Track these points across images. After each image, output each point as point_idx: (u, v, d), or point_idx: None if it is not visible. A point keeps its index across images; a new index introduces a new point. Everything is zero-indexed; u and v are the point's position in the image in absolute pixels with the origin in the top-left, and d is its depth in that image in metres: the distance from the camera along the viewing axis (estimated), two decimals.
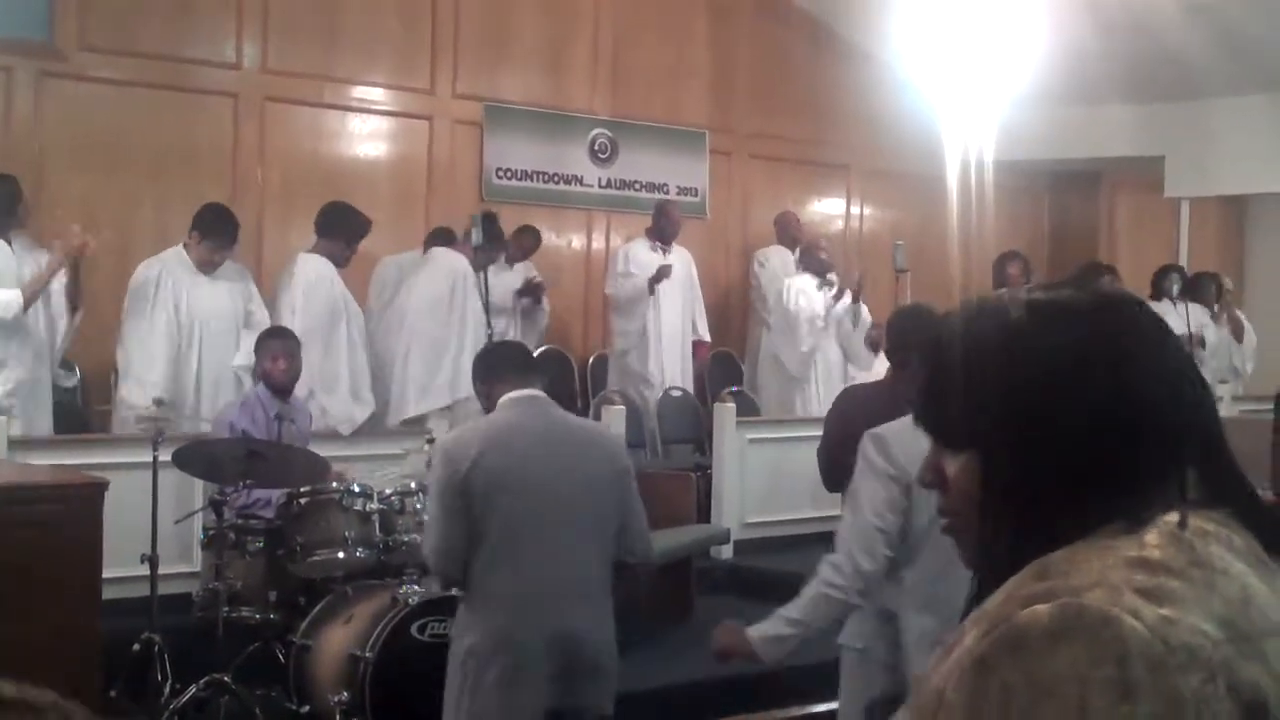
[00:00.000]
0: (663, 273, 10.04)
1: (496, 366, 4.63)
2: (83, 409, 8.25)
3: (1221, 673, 1.23)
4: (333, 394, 7.81)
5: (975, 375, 1.44)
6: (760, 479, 9.01)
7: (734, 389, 10.41)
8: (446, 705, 4.43)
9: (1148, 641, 1.22)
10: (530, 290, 9.86)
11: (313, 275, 7.95)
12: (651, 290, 10.10)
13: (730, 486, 8.96)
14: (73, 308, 7.33)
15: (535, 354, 10.18)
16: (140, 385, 7.32)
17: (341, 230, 8.09)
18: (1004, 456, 1.40)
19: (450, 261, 8.62)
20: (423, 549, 4.67)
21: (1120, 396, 1.38)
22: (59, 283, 7.21)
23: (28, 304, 6.93)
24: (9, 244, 7.11)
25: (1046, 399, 1.39)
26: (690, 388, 10.50)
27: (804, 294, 10.11)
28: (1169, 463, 1.38)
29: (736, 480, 9.00)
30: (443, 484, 4.35)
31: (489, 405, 4.57)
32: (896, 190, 12.69)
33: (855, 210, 12.99)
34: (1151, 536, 1.33)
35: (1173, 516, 1.35)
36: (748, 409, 9.94)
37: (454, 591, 4.68)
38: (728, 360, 11.57)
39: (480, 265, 8.20)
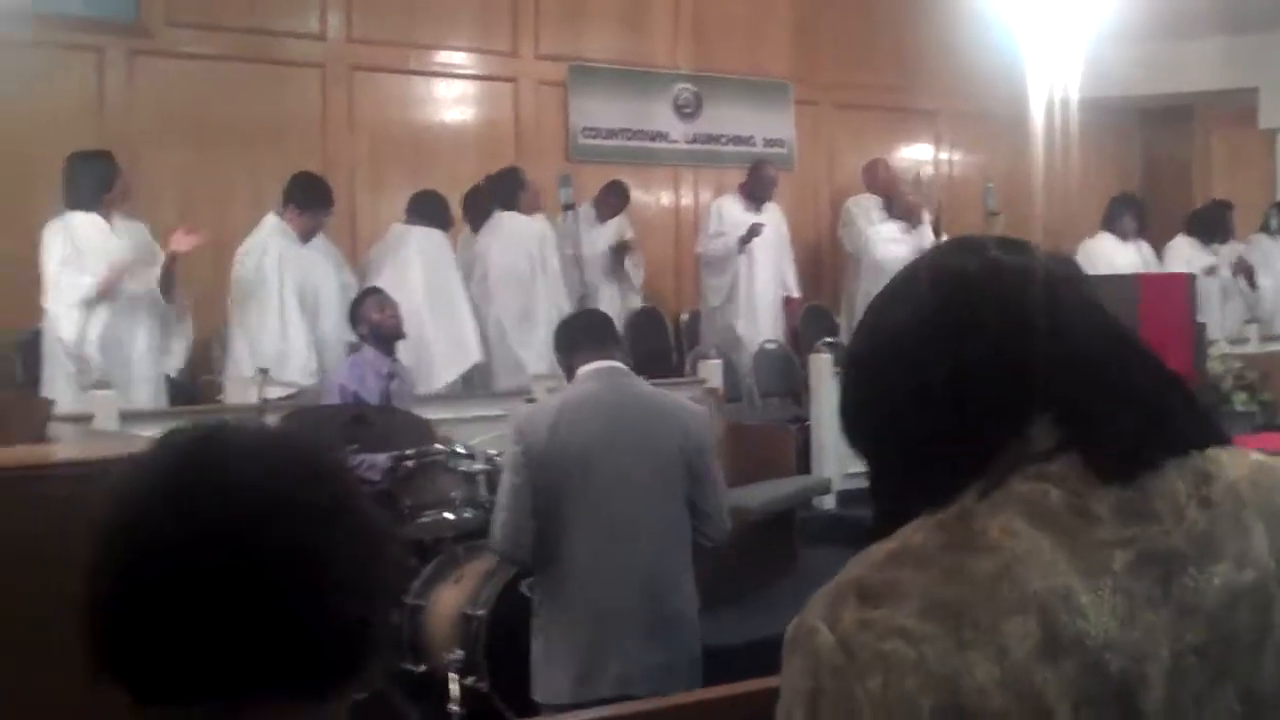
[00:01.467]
0: (753, 231, 10.02)
1: (574, 338, 4.60)
2: (190, 383, 8.38)
3: (913, 671, 1.24)
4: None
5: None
6: None
7: (828, 340, 10.36)
8: (533, 676, 4.44)
9: (832, 650, 1.27)
10: (621, 248, 9.88)
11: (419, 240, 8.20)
12: (741, 249, 10.08)
13: (829, 437, 8.93)
14: (168, 297, 7.43)
15: (632, 311, 10.28)
16: (247, 355, 7.44)
17: (432, 218, 8.38)
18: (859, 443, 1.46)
19: (519, 227, 8.70)
20: (491, 525, 4.59)
21: (934, 375, 1.37)
22: (157, 268, 7.34)
23: (103, 289, 7.04)
24: (106, 220, 7.23)
25: (875, 371, 1.44)
26: (784, 341, 10.48)
27: (891, 242, 10.04)
28: (1001, 434, 1.36)
29: (835, 430, 8.96)
30: (513, 460, 4.33)
31: (569, 376, 4.56)
32: (985, 133, 12.54)
33: (944, 155, 12.87)
34: (926, 521, 1.34)
35: (979, 488, 1.35)
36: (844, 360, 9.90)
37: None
38: (821, 313, 11.52)
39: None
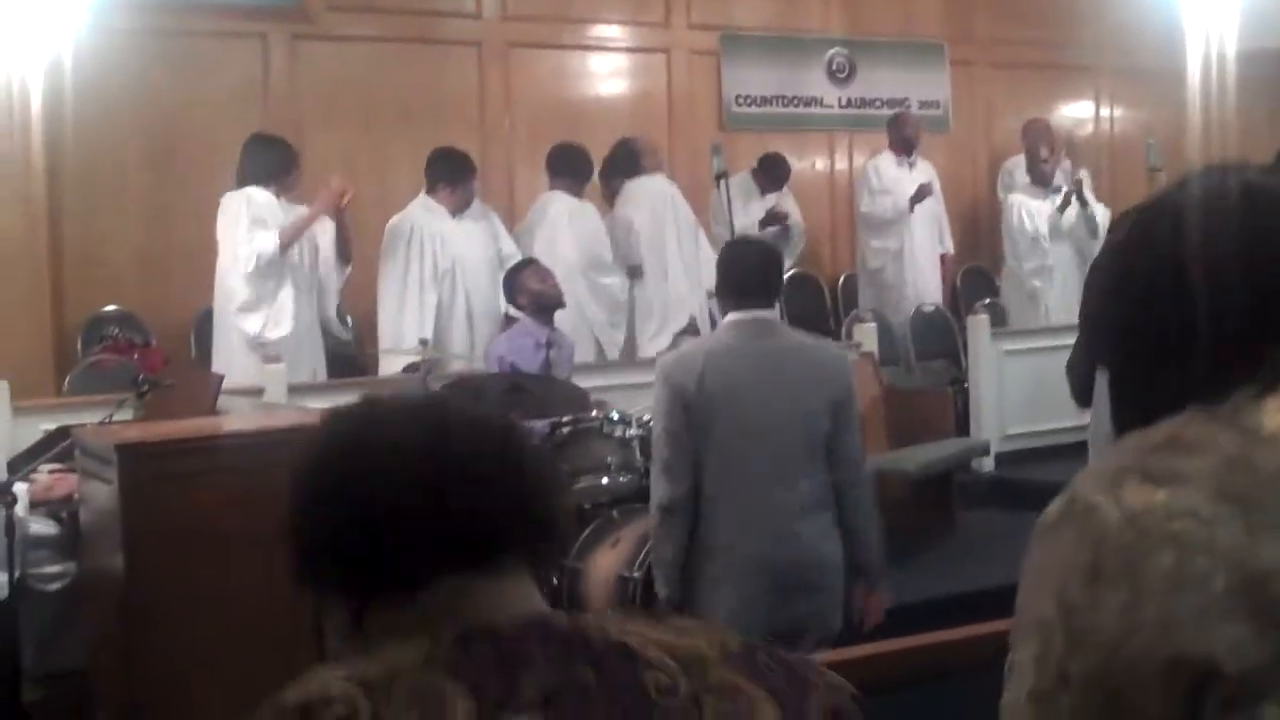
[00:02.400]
0: (924, 191, 10.01)
1: (731, 280, 4.57)
2: (356, 355, 8.63)
3: (1205, 550, 1.26)
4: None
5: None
6: (1019, 390, 8.92)
7: (986, 301, 10.29)
8: None
9: (1120, 528, 1.29)
10: (772, 219, 9.90)
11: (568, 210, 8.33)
12: (912, 209, 10.07)
13: (988, 399, 8.90)
14: (343, 261, 7.71)
15: (787, 276, 10.30)
16: (403, 329, 7.65)
17: (570, 169, 8.49)
18: (1105, 341, 1.52)
19: (651, 189, 8.81)
20: (651, 470, 4.70)
21: (1176, 283, 1.43)
22: (328, 237, 7.58)
23: (284, 246, 7.27)
24: (277, 199, 7.49)
25: (1121, 282, 1.50)
26: (941, 303, 10.44)
27: (1029, 211, 9.95)
28: (1257, 343, 1.40)
29: (994, 392, 8.93)
30: (665, 405, 4.38)
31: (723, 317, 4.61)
32: (1145, 89, 12.26)
33: (1105, 112, 12.64)
34: (1196, 415, 1.37)
35: (1252, 388, 1.37)
36: (1002, 321, 9.85)
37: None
38: (979, 274, 11.44)
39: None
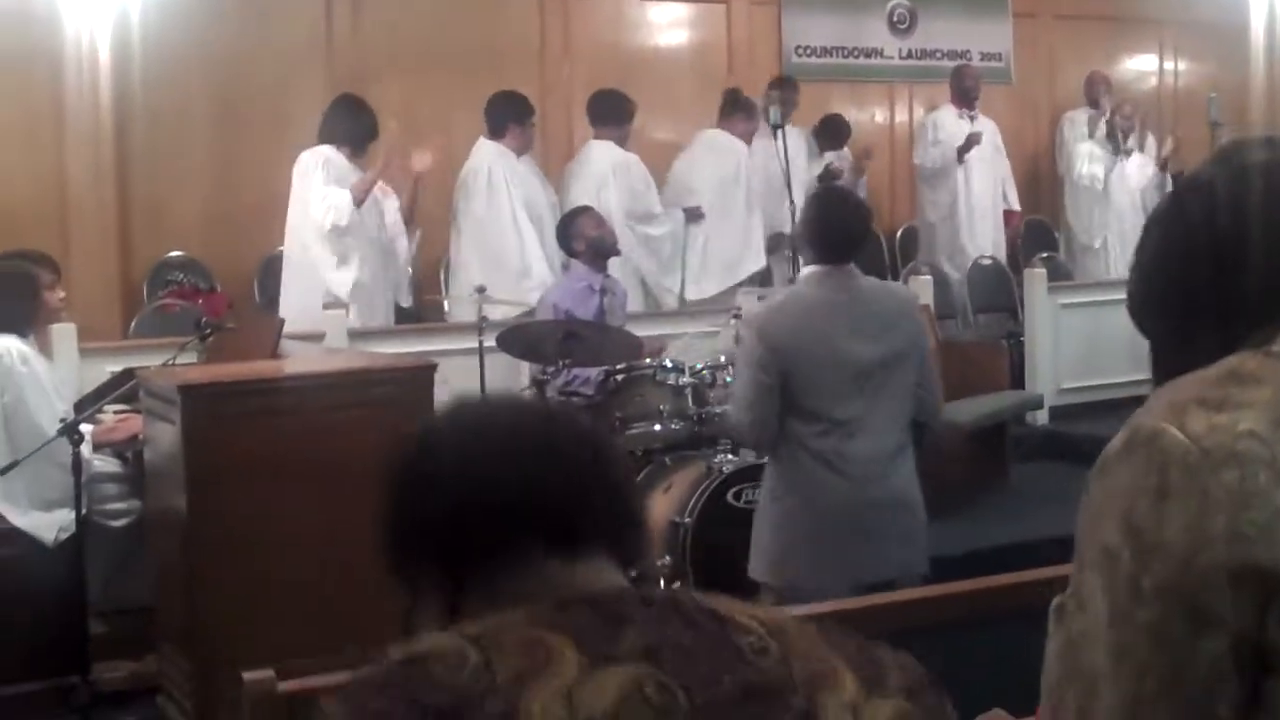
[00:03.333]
0: (972, 140, 9.97)
1: (817, 232, 4.58)
2: (415, 306, 8.73)
3: (1267, 467, 1.35)
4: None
5: None
6: (1074, 344, 8.92)
7: (1045, 255, 10.26)
8: (754, 569, 4.58)
9: (1186, 449, 1.37)
10: (827, 177, 9.88)
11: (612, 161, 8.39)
12: (960, 159, 10.04)
13: (1043, 352, 8.90)
14: (410, 223, 7.79)
15: None
16: (479, 275, 7.73)
17: (613, 117, 8.55)
18: (1143, 287, 1.62)
19: (729, 143, 8.85)
20: (730, 419, 4.80)
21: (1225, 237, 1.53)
22: (395, 201, 7.68)
23: (358, 202, 7.36)
24: (350, 162, 7.59)
25: (1163, 239, 1.61)
26: (1002, 257, 10.42)
27: (1090, 160, 9.89)
28: None
29: (1049, 346, 8.93)
30: (752, 354, 4.46)
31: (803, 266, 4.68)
32: (1209, 43, 12.13)
33: (1169, 66, 12.51)
34: (1252, 353, 1.46)
35: None
36: (1060, 275, 9.82)
37: (763, 459, 4.82)
38: (1040, 227, 11.39)
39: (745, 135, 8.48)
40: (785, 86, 9.44)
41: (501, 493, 1.46)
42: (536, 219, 8.01)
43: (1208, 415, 1.40)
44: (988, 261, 10.18)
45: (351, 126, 7.51)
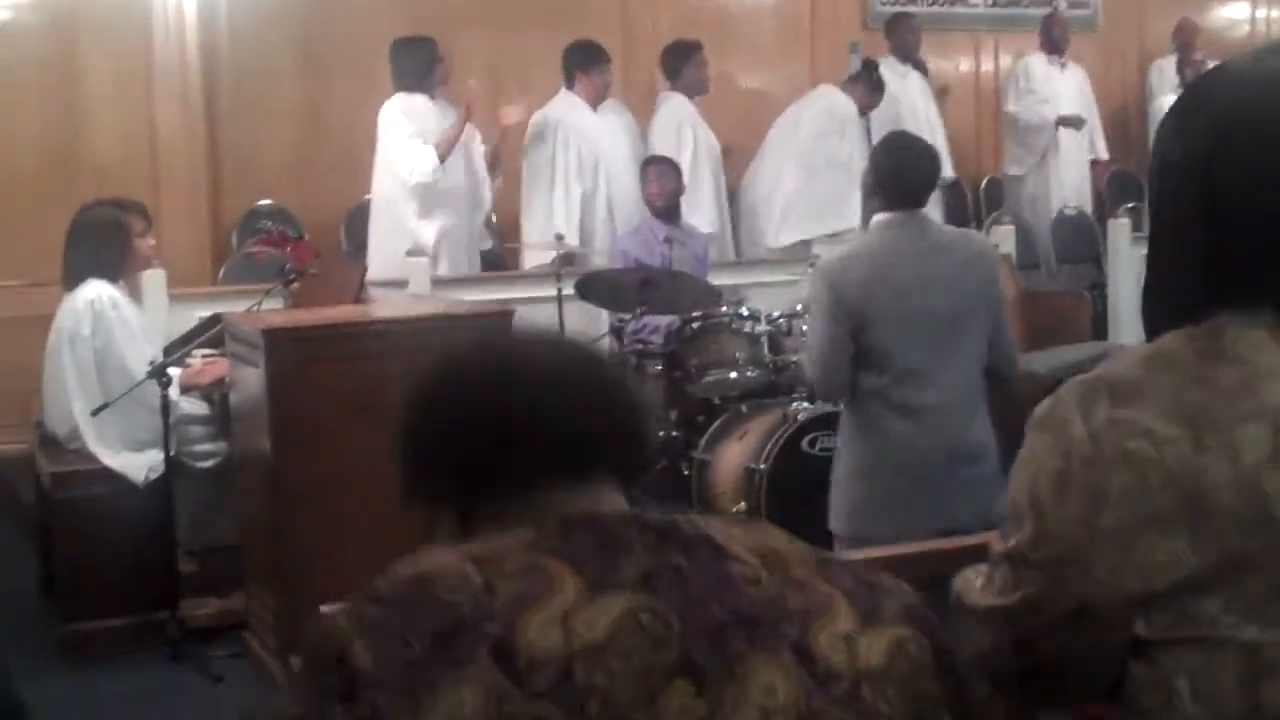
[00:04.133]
0: (1072, 122, 9.87)
1: (886, 178, 4.50)
2: (497, 251, 8.82)
3: (1156, 468, 1.41)
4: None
5: None
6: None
7: (1131, 205, 10.15)
8: (831, 521, 4.57)
9: (1084, 442, 1.45)
10: (942, 94, 9.79)
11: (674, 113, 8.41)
12: (1056, 128, 9.95)
13: (1125, 304, 8.82)
14: (493, 174, 7.89)
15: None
16: (545, 224, 7.82)
17: (680, 64, 8.54)
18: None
19: (837, 100, 8.82)
20: (805, 368, 4.81)
21: (1204, 189, 1.50)
22: (481, 145, 7.77)
23: (442, 158, 7.45)
24: (431, 101, 7.67)
25: (1157, 187, 1.59)
26: (1088, 207, 10.33)
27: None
28: (1257, 259, 1.48)
29: (1132, 297, 8.84)
30: (823, 303, 4.43)
31: (868, 220, 4.61)
32: None
33: (1260, 14, 12.28)
34: (1183, 332, 1.49)
35: (1234, 307, 1.48)
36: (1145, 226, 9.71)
37: (839, 407, 4.83)
38: (1126, 177, 11.25)
39: (863, 105, 8.40)
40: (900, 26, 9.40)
41: (508, 417, 1.49)
42: (604, 172, 8.05)
43: (1114, 408, 1.46)
44: (1072, 211, 10.10)
45: (411, 63, 7.61)
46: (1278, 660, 1.40)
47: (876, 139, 7.74)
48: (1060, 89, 10.07)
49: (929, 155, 4.66)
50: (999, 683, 1.58)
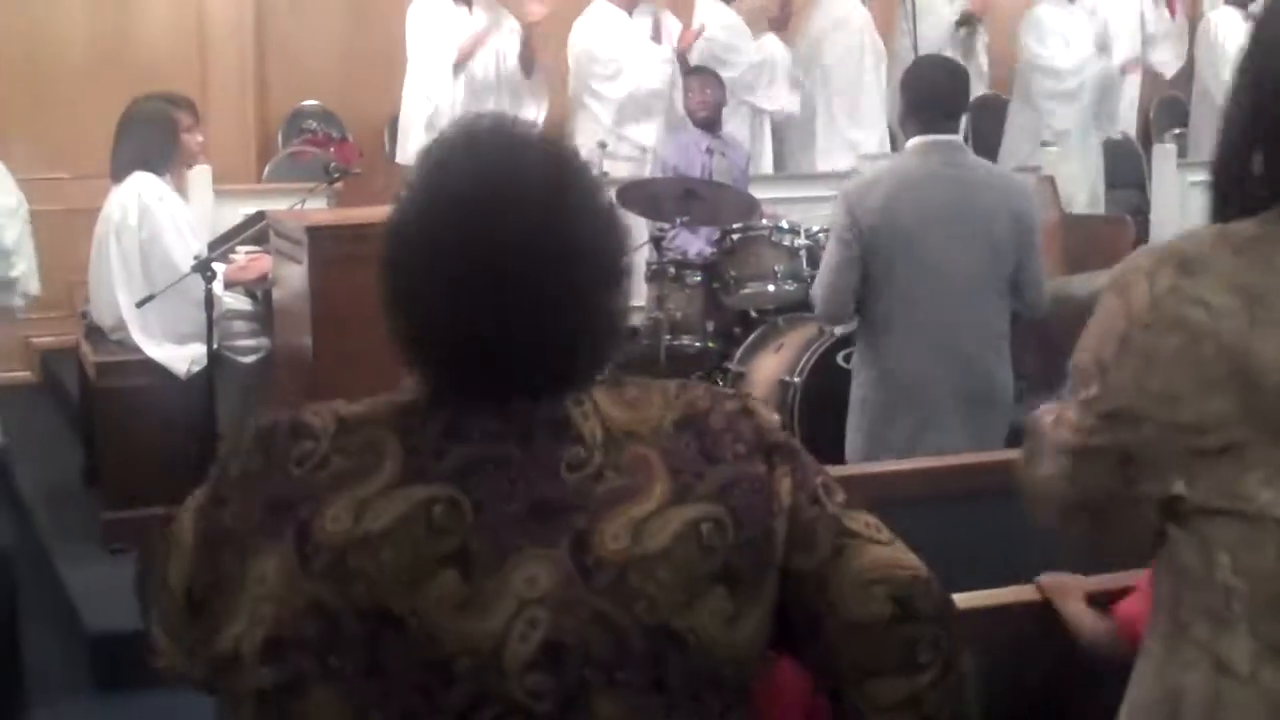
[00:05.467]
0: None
1: (917, 101, 4.52)
2: None
3: (1211, 339, 1.49)
4: None
5: None
6: (1202, 222, 8.71)
7: (1176, 132, 10.06)
8: (849, 439, 4.58)
9: (1145, 307, 1.54)
10: (968, 21, 9.61)
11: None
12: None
13: (1168, 230, 8.75)
14: (526, 72, 7.89)
15: (975, 96, 10.13)
16: (587, 129, 7.83)
17: None
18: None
19: (852, 9, 8.77)
20: (813, 288, 4.77)
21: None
22: (514, 47, 7.77)
23: (460, 60, 7.50)
24: (469, 8, 7.67)
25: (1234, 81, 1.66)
26: (1133, 132, 10.22)
27: (1229, 29, 9.57)
28: None
29: (1175, 223, 8.80)
30: (841, 228, 4.39)
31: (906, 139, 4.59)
32: None
33: None
34: (1257, 217, 1.57)
35: None
36: (1190, 152, 9.64)
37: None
38: (1175, 103, 11.12)
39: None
40: None
41: (457, 315, 1.47)
42: (640, 79, 8.02)
43: (1176, 277, 1.54)
44: (1118, 135, 9.99)
45: None
46: None
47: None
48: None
49: (955, 76, 4.66)
50: (1060, 511, 1.68)
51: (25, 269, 5.71)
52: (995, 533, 3.02)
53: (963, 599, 2.47)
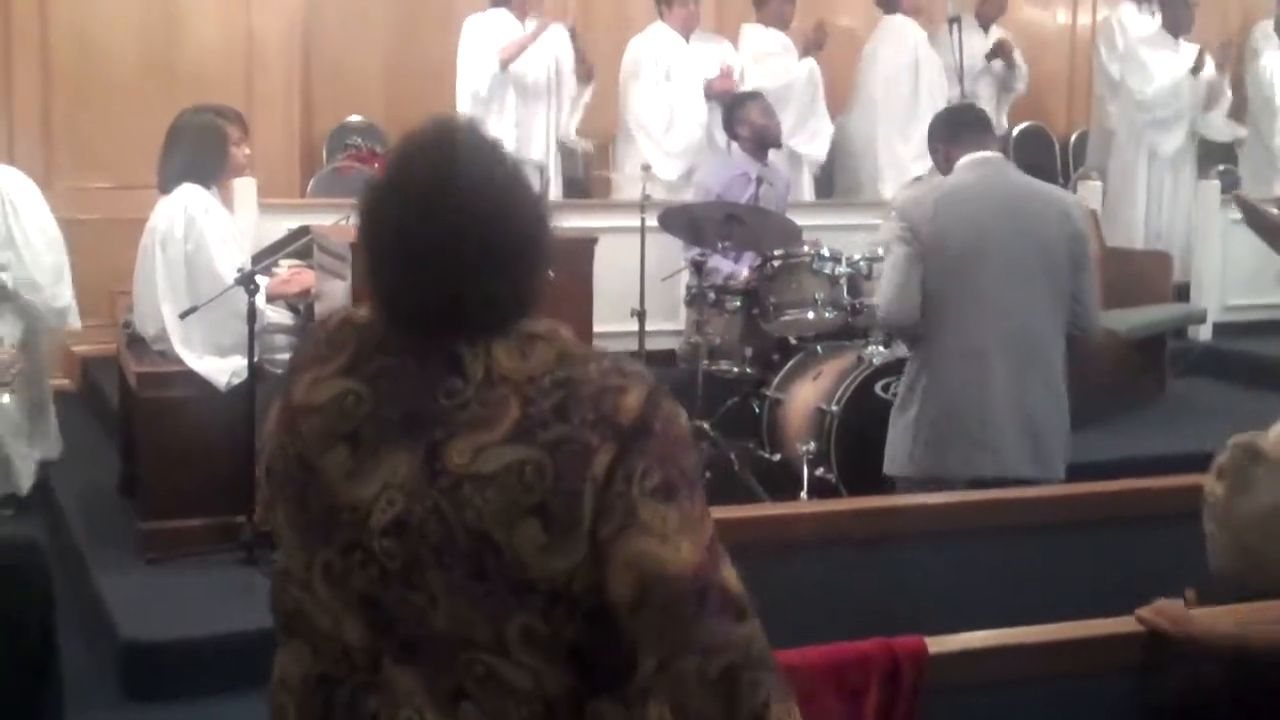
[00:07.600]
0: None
1: (954, 128, 4.66)
2: (584, 179, 8.86)
3: None
4: None
5: None
6: (1245, 260, 8.65)
7: (1221, 168, 10.01)
8: (889, 461, 4.60)
9: None
10: (999, 52, 9.63)
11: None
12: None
13: (1210, 266, 8.76)
14: (583, 81, 7.94)
15: (1015, 130, 10.17)
16: (638, 151, 7.85)
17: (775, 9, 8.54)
18: None
19: (906, 29, 8.77)
20: (879, 305, 4.80)
21: None
22: (568, 55, 7.81)
23: (505, 64, 7.55)
24: (522, 23, 7.74)
25: None
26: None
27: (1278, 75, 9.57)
28: None
29: (1218, 260, 8.78)
30: (900, 229, 4.45)
31: (946, 168, 4.62)
32: None
33: None
34: None
35: None
36: (1234, 187, 9.58)
37: (906, 351, 4.81)
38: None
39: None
40: None
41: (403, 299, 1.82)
42: (696, 100, 8.05)
43: None
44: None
45: None
46: None
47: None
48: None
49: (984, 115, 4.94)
50: None
51: (70, 298, 5.87)
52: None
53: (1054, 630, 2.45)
